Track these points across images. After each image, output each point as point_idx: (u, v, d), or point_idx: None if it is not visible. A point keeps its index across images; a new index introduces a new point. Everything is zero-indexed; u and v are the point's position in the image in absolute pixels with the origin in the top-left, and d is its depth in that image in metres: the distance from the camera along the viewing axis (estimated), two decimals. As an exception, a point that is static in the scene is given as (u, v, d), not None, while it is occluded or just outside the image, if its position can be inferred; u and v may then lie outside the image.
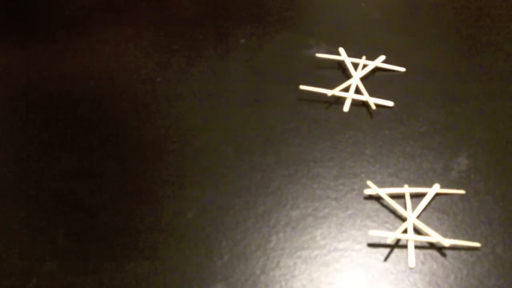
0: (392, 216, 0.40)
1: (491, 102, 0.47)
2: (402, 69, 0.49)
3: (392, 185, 0.41)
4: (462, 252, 0.37)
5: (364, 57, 0.49)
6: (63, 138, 0.46)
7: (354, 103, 0.47)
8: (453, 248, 0.37)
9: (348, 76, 0.49)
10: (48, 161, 0.44)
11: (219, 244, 0.38)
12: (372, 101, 0.46)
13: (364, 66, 0.49)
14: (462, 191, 0.40)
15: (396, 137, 0.44)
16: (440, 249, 0.38)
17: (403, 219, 0.39)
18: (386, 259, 0.37)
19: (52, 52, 0.53)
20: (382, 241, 0.38)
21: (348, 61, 0.49)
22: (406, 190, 0.41)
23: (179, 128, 0.46)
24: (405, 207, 0.40)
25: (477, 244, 0.37)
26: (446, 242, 0.37)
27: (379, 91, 0.48)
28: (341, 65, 0.50)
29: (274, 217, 0.40)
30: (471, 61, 0.50)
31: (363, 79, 0.48)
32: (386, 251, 0.38)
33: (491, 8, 0.55)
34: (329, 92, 0.47)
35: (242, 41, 0.53)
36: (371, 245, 0.38)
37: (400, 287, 0.36)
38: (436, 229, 0.38)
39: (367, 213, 0.40)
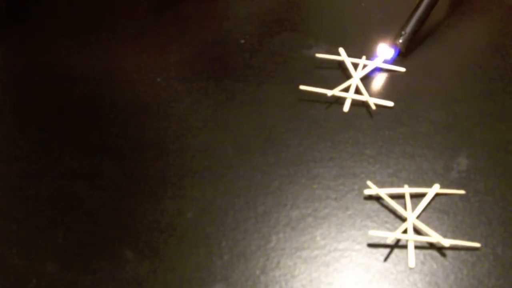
0: (392, 216, 0.40)
1: (491, 102, 0.47)
2: (402, 69, 0.49)
3: (392, 185, 0.41)
4: (462, 252, 0.37)
5: (364, 57, 0.49)
6: (63, 138, 0.46)
7: (354, 103, 0.47)
8: (453, 248, 0.37)
9: (348, 76, 0.49)
10: (48, 161, 0.44)
11: (219, 244, 0.38)
12: (372, 101, 0.46)
13: (364, 66, 0.49)
14: (462, 191, 0.40)
15: (396, 137, 0.44)
16: (440, 249, 0.38)
17: (403, 219, 0.39)
18: (386, 259, 0.37)
19: (52, 52, 0.53)
20: (382, 241, 0.38)
21: (348, 61, 0.49)
22: (406, 190, 0.41)
23: (179, 128, 0.46)
24: (405, 207, 0.40)
25: (477, 244, 0.37)
26: (446, 242, 0.37)
27: (379, 91, 0.48)
28: (341, 65, 0.50)
29: (274, 217, 0.40)
30: (471, 61, 0.50)
31: (363, 79, 0.48)
32: (386, 251, 0.38)
33: (491, 8, 0.55)
34: (329, 92, 0.47)
35: (242, 41, 0.53)
36: (371, 245, 0.38)
37: (400, 287, 0.36)
38: (436, 229, 0.38)
39: (367, 213, 0.40)
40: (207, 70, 0.51)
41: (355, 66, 0.49)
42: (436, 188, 0.40)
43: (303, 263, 0.37)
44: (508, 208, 0.39)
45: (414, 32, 0.49)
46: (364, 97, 0.47)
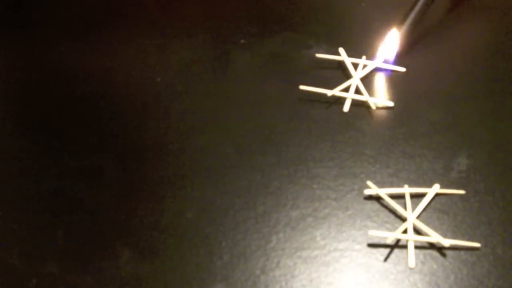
0: (392, 216, 0.40)
1: (491, 102, 0.47)
2: (402, 69, 0.49)
3: (392, 185, 0.41)
4: (462, 252, 0.37)
5: (364, 57, 0.49)
6: (63, 138, 0.46)
7: (354, 103, 0.47)
8: (453, 248, 0.37)
9: (348, 76, 0.49)
10: (48, 161, 0.44)
11: (219, 244, 0.38)
12: (372, 101, 0.46)
13: (364, 66, 0.49)
14: (462, 191, 0.40)
15: (396, 137, 0.44)
16: (440, 249, 0.38)
17: (403, 219, 0.39)
18: (386, 259, 0.37)
19: (52, 52, 0.53)
20: (382, 241, 0.38)
21: (348, 61, 0.49)
22: (406, 190, 0.41)
23: (179, 128, 0.46)
24: (405, 207, 0.40)
25: (477, 244, 0.37)
26: (446, 242, 0.37)
27: (379, 91, 0.48)
28: (341, 65, 0.50)
29: (274, 217, 0.40)
30: (471, 61, 0.50)
31: (363, 79, 0.48)
32: (386, 251, 0.38)
33: (492, 7, 0.55)
34: (329, 92, 0.47)
35: (242, 41, 0.53)
36: (371, 245, 0.38)
37: (400, 287, 0.36)
38: (436, 229, 0.38)
39: (367, 213, 0.40)
40: (207, 70, 0.51)
41: (355, 66, 0.49)
42: (436, 188, 0.40)
43: (303, 263, 0.37)
44: (508, 208, 0.39)
45: (416, 19, 0.49)
46: (364, 97, 0.47)
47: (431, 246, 0.38)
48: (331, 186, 0.41)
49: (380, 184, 0.41)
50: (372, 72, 0.49)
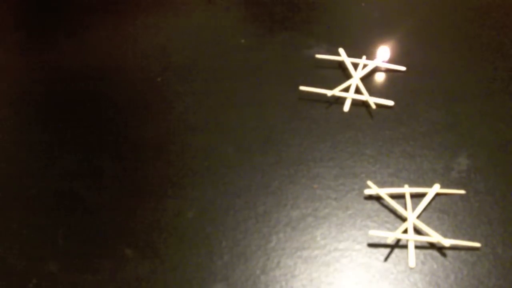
0: (392, 216, 0.40)
1: (491, 102, 0.47)
2: (403, 68, 0.49)
3: (392, 185, 0.41)
4: (462, 252, 0.37)
5: (364, 57, 0.49)
6: (63, 138, 0.46)
7: (354, 103, 0.47)
8: (453, 248, 0.37)
9: (348, 76, 0.49)
10: (48, 161, 0.44)
11: (219, 244, 0.38)
12: (372, 101, 0.46)
13: (364, 66, 0.49)
14: (462, 191, 0.40)
15: (396, 137, 0.44)
16: (440, 249, 0.38)
17: (403, 219, 0.39)
18: (386, 259, 0.37)
19: (52, 52, 0.53)
20: (382, 241, 0.38)
21: (348, 61, 0.49)
22: (406, 190, 0.41)
23: (179, 128, 0.46)
24: (405, 207, 0.40)
25: (477, 244, 0.37)
26: (446, 242, 0.37)
27: (379, 91, 0.48)
28: (341, 65, 0.50)
29: (275, 217, 0.40)
30: (471, 61, 0.50)
31: (363, 79, 0.48)
32: (386, 251, 0.38)
33: (492, 7, 0.55)
34: (329, 92, 0.47)
35: (242, 41, 0.53)
36: (371, 245, 0.38)
37: (400, 287, 0.36)
38: (436, 229, 0.38)
39: (367, 213, 0.40)
40: (207, 70, 0.51)
41: (355, 66, 0.49)
42: (436, 188, 0.40)
43: (304, 263, 0.37)
44: (508, 208, 0.39)
45: None
46: (364, 96, 0.47)
47: (431, 246, 0.38)
48: (331, 186, 0.41)
49: (380, 184, 0.41)
50: (372, 72, 0.49)
